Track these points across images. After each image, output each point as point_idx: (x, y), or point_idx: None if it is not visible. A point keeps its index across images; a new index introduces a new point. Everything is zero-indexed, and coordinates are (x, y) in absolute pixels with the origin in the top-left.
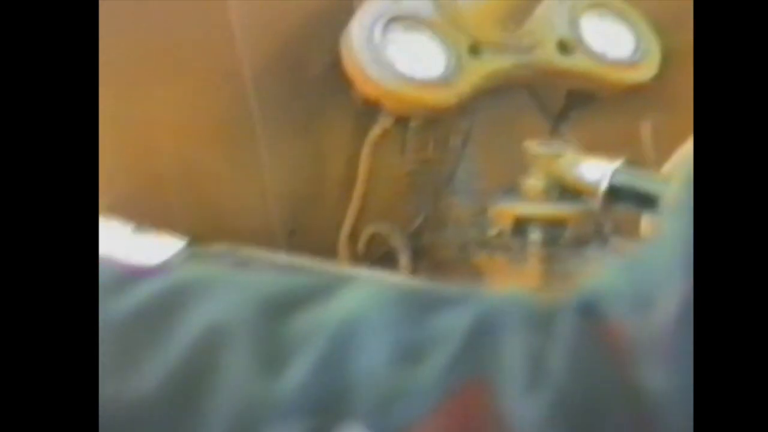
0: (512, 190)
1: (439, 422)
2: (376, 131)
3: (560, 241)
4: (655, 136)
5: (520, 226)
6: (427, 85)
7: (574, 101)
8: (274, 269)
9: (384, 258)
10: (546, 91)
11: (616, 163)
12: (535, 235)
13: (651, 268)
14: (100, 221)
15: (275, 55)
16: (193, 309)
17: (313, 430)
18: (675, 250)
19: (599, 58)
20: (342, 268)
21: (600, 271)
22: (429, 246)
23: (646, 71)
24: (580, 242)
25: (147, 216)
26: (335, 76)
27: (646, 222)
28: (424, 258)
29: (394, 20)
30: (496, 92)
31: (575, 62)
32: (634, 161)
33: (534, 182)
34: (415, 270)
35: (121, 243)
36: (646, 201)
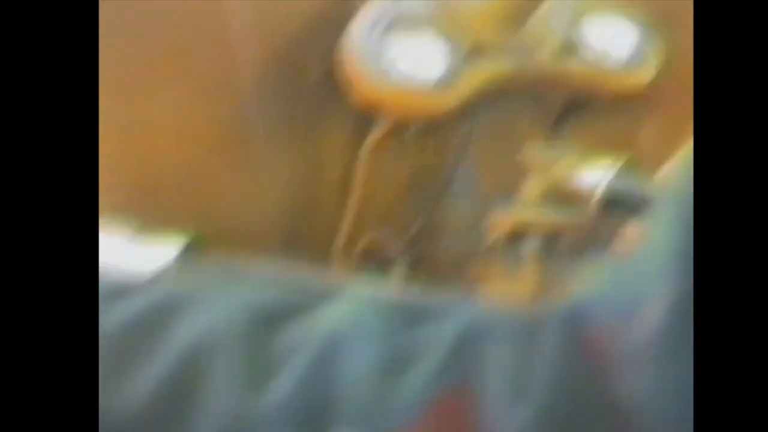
0: (511, 195)
1: None
2: (374, 136)
3: (557, 248)
4: (654, 141)
5: (517, 233)
6: (426, 88)
7: (574, 105)
8: (266, 279)
9: (381, 264)
10: (545, 94)
11: (613, 170)
12: (532, 243)
13: (635, 277)
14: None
15: (274, 60)
16: (182, 323)
17: None
18: (659, 259)
19: (600, 61)
20: (337, 275)
21: (584, 281)
22: (426, 252)
23: (647, 75)
24: (577, 250)
25: (144, 221)
26: (334, 81)
27: (630, 230)
28: (421, 264)
29: (392, 23)
30: (495, 96)
31: (576, 65)
32: (632, 167)
33: (533, 188)
34: (412, 277)
35: (117, 250)
36: (643, 208)
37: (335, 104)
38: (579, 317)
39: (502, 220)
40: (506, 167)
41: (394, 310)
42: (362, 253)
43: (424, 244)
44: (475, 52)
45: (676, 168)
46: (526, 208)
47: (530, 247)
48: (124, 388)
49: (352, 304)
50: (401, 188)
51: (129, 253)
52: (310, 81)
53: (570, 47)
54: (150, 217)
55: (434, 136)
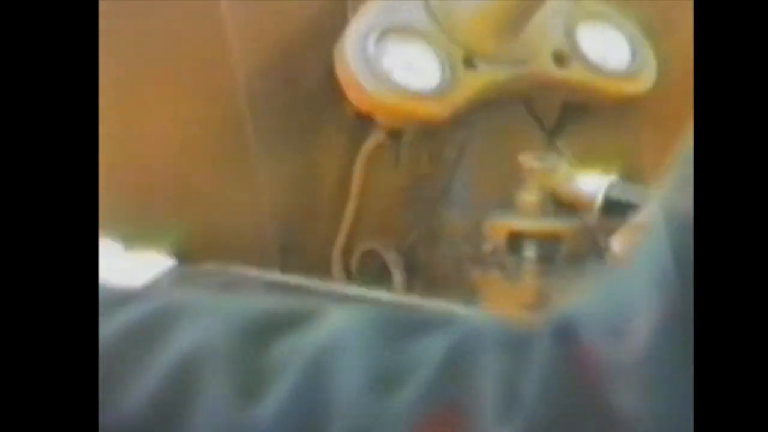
0: (507, 204)
1: None
2: (369, 145)
3: (556, 256)
4: (649, 150)
5: (515, 241)
6: (422, 97)
7: (570, 113)
8: (260, 291)
9: (378, 274)
10: (541, 103)
11: (611, 177)
12: (530, 251)
13: (625, 292)
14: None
15: (269, 70)
16: (175, 335)
17: None
18: (649, 274)
19: (595, 70)
20: (334, 285)
21: (575, 295)
22: (423, 262)
23: (642, 83)
24: (576, 257)
25: (139, 233)
26: (329, 90)
27: (618, 240)
28: (418, 274)
29: (388, 32)
30: (491, 104)
31: (570, 74)
32: (630, 174)
33: (529, 196)
34: (409, 286)
35: (111, 261)
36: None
37: (330, 114)
38: (569, 331)
39: (499, 228)
40: (502, 175)
41: (387, 324)
42: (359, 262)
43: (421, 253)
44: (470, 61)
45: (666, 179)
46: (523, 216)
47: (528, 254)
48: (118, 399)
49: (345, 317)
50: (398, 197)
51: (124, 263)
52: (306, 90)
53: (565, 56)
54: (145, 227)
55: (430, 144)
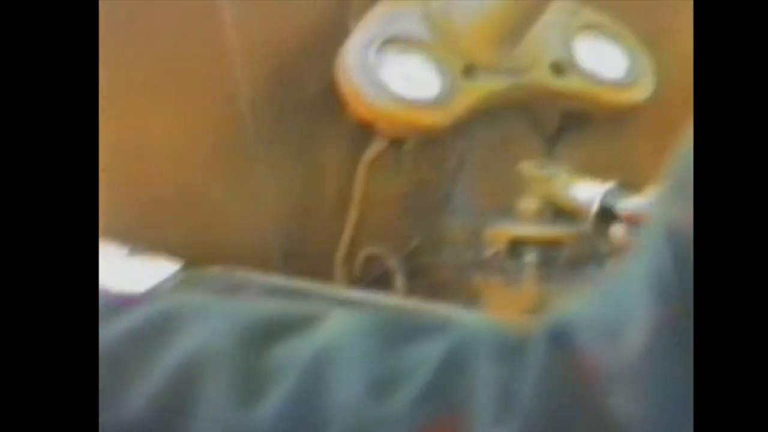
0: (507, 211)
1: None
2: (371, 153)
3: (556, 262)
4: (647, 157)
5: (516, 247)
6: (422, 106)
7: (569, 122)
8: (263, 295)
9: (380, 279)
10: (540, 112)
11: (608, 185)
12: (530, 257)
13: (621, 297)
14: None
15: (271, 78)
16: (176, 339)
17: None
18: (645, 279)
19: (593, 80)
20: (336, 290)
21: (570, 300)
22: (425, 267)
23: (640, 92)
24: (576, 263)
25: (143, 238)
26: (330, 99)
27: (616, 232)
28: (420, 279)
29: (388, 42)
30: (490, 114)
31: (569, 83)
32: (627, 182)
33: (529, 203)
34: (410, 292)
35: (115, 266)
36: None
37: (332, 121)
38: (565, 336)
39: (500, 235)
40: (502, 183)
41: (385, 329)
42: (361, 268)
43: (422, 258)
44: (470, 71)
45: (664, 184)
46: (523, 222)
47: (528, 260)
48: (120, 402)
49: (343, 322)
50: (399, 203)
51: (128, 268)
52: (307, 98)
53: (563, 66)
54: (148, 233)
55: (431, 152)
